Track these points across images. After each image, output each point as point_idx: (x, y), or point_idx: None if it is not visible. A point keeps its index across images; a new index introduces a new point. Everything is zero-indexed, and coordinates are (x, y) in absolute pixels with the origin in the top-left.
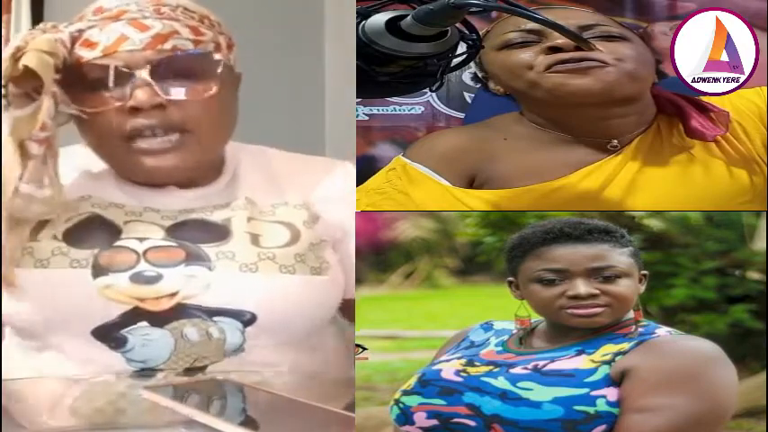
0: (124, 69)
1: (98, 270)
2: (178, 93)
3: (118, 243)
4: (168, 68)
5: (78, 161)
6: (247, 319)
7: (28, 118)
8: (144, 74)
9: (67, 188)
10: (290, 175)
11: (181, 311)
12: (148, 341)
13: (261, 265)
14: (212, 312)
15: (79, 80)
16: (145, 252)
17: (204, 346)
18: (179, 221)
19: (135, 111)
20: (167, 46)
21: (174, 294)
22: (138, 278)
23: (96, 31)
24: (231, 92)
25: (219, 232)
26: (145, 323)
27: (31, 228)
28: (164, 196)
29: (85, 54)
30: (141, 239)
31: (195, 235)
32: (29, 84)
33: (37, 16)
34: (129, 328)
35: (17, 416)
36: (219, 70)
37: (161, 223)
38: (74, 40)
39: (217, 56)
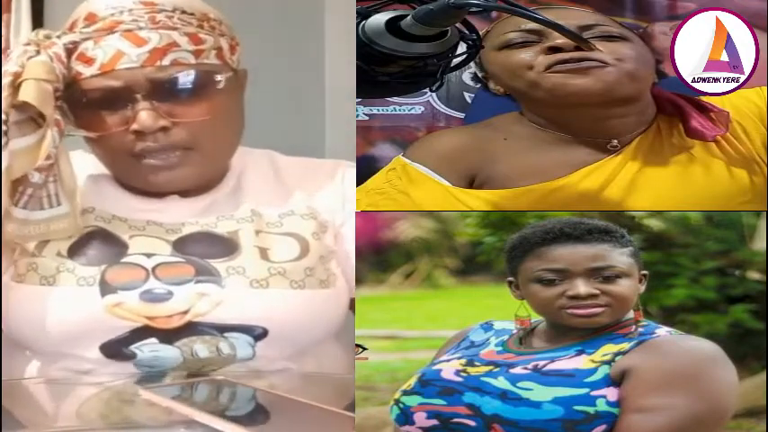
0: (124, 91)
1: (106, 288)
2: (181, 114)
3: (125, 259)
4: (170, 89)
5: (81, 168)
6: (258, 334)
7: (32, 147)
8: (146, 97)
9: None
10: (296, 180)
11: (191, 328)
12: (157, 356)
13: (272, 280)
14: (223, 329)
15: (81, 99)
16: (154, 269)
17: (213, 361)
18: (185, 235)
19: (140, 133)
20: (166, 61)
21: (185, 312)
22: (148, 296)
23: (91, 45)
24: (236, 100)
25: (227, 246)
26: (154, 339)
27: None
28: (166, 207)
29: (83, 70)
30: (149, 255)
31: (203, 249)
32: (30, 110)
33: (37, 16)
34: (138, 344)
35: (19, 416)
36: (222, 87)
37: (166, 237)
38: (69, 52)
39: (219, 77)
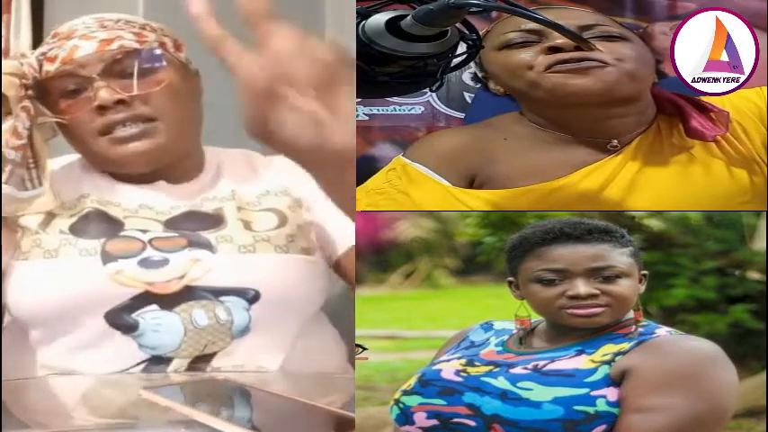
0: (84, 75)
1: (107, 257)
2: (133, 87)
3: (123, 233)
4: (120, 68)
5: (77, 166)
6: (251, 297)
7: (5, 131)
8: (101, 76)
9: (68, 187)
10: (268, 168)
11: (189, 293)
12: (159, 326)
13: (258, 246)
14: (218, 292)
15: (51, 92)
16: (150, 240)
17: (213, 330)
18: (175, 215)
19: (102, 109)
20: (114, 46)
21: (181, 277)
22: (146, 263)
23: (55, 49)
24: (188, 85)
25: (214, 220)
26: (155, 306)
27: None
28: (155, 192)
29: (50, 68)
30: (144, 231)
31: (192, 225)
32: (6, 106)
33: (37, 16)
34: (139, 312)
35: (20, 414)
36: (165, 63)
37: (158, 218)
38: (40, 62)
39: (158, 51)
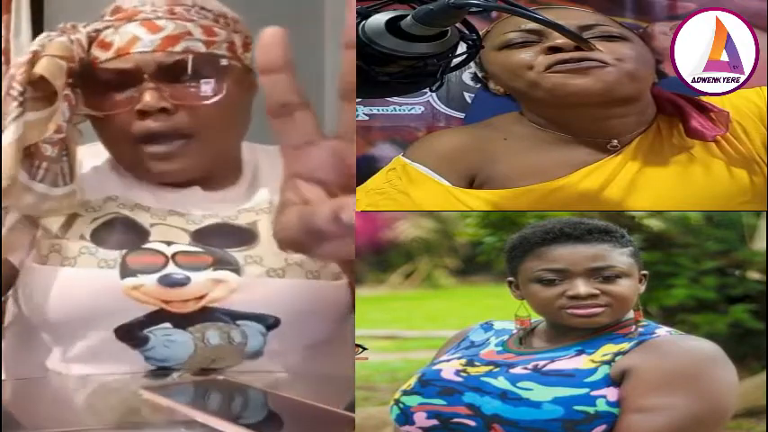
0: (135, 71)
1: (126, 271)
2: (185, 97)
3: (146, 245)
4: (177, 71)
5: (107, 163)
6: (271, 323)
7: (43, 121)
8: (152, 77)
9: (95, 185)
10: None
11: (206, 314)
12: (170, 342)
13: (288, 270)
14: (237, 316)
15: (94, 81)
16: (173, 255)
17: (224, 350)
18: (204, 226)
19: (143, 114)
20: (178, 48)
21: (201, 297)
22: (166, 280)
23: (111, 32)
24: (245, 93)
25: (246, 236)
26: (168, 324)
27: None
28: (188, 198)
29: (100, 55)
30: (169, 243)
31: (222, 240)
32: (46, 88)
33: (37, 16)
34: (151, 328)
35: (19, 415)
36: (229, 74)
37: (187, 227)
38: (91, 40)
39: (224, 61)
